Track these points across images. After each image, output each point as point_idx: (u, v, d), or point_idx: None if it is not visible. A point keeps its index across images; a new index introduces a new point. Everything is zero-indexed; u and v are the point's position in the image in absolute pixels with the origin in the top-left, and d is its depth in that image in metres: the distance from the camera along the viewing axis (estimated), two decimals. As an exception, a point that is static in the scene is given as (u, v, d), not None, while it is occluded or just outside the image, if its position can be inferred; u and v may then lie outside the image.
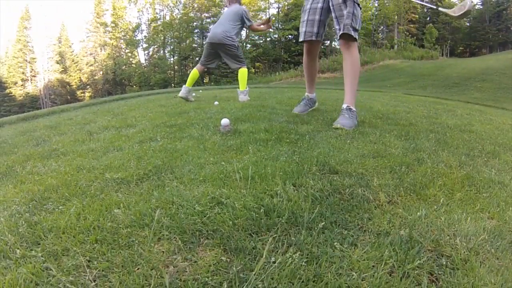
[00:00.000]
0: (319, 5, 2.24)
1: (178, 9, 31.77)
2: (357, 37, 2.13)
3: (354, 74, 2.17)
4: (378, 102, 4.09)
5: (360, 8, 2.13)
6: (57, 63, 36.20)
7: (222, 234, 0.83)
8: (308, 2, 2.32)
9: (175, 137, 1.90)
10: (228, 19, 3.82)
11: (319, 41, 2.37)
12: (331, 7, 2.17)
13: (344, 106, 2.11)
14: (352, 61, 2.16)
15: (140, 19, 33.73)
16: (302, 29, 2.35)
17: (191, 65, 30.12)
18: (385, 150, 1.55)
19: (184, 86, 3.91)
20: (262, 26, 4.07)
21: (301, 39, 2.40)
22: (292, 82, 18.78)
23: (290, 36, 29.51)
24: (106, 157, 1.57)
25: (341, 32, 2.11)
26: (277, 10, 30.90)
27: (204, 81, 29.51)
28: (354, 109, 2.12)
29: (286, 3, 30.36)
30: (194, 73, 4.02)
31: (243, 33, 31.91)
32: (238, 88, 3.90)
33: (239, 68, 3.87)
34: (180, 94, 3.88)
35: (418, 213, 0.94)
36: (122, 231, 0.85)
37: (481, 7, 37.15)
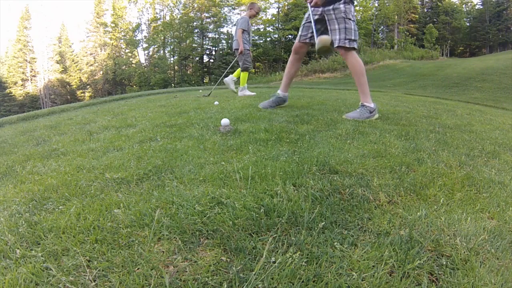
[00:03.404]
0: (316, 17, 2.56)
1: (178, 9, 31.75)
2: (354, 45, 2.45)
3: (356, 76, 2.54)
4: (378, 102, 4.09)
5: (353, 20, 2.45)
6: (57, 63, 36.17)
7: (222, 234, 0.83)
8: (308, 12, 2.65)
9: (175, 137, 1.90)
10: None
11: (307, 44, 2.71)
12: (327, 21, 2.49)
13: (360, 103, 2.53)
14: (351, 67, 2.53)
15: (140, 19, 33.75)
16: (299, 33, 2.77)
17: (191, 65, 30.06)
18: (385, 150, 1.55)
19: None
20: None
21: (296, 41, 2.81)
22: (292, 82, 18.74)
23: (290, 36, 29.50)
24: (106, 157, 1.57)
25: (336, 45, 2.46)
26: (277, 10, 30.88)
27: (204, 81, 29.49)
28: (367, 104, 2.46)
29: (286, 3, 30.33)
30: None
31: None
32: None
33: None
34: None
35: (418, 213, 0.94)
36: (122, 231, 0.86)
37: (481, 7, 37.16)
